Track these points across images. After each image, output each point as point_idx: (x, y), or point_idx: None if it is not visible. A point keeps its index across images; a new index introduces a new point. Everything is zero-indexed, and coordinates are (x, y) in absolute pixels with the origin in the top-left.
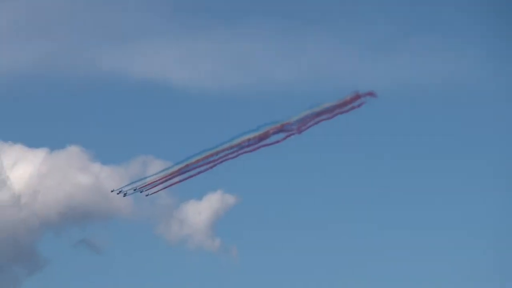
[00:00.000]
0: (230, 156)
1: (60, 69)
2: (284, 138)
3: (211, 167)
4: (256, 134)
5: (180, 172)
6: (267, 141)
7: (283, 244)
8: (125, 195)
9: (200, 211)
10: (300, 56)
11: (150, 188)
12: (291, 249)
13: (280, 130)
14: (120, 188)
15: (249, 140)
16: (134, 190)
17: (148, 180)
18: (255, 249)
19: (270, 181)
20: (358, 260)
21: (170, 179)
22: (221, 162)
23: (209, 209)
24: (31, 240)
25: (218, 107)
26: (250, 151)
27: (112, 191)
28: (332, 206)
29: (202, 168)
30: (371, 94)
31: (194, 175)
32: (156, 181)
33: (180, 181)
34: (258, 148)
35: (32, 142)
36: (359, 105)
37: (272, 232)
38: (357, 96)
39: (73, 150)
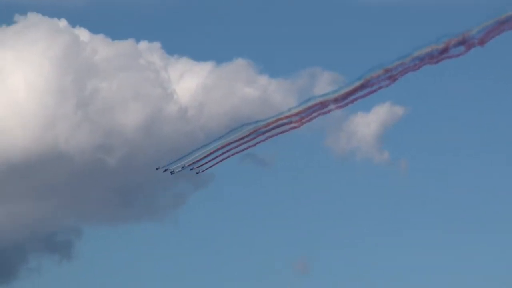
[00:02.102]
0: (407, 69)
1: None
2: (465, 51)
3: (389, 82)
4: (435, 46)
5: (357, 87)
6: (447, 54)
7: (454, 159)
8: (172, 173)
9: (369, 123)
10: None
11: (201, 166)
12: (463, 165)
13: (461, 42)
14: (166, 166)
15: (426, 53)
16: (183, 167)
17: (197, 157)
18: (424, 162)
19: (440, 94)
20: None
21: (232, 148)
22: (398, 76)
23: (378, 121)
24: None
25: (394, 18)
26: (426, 64)
27: (157, 168)
28: None
29: (379, 83)
30: None
31: (372, 91)
32: (205, 156)
33: (255, 144)
34: (436, 61)
35: (198, 55)
36: None
37: (442, 145)
38: None
39: (240, 63)
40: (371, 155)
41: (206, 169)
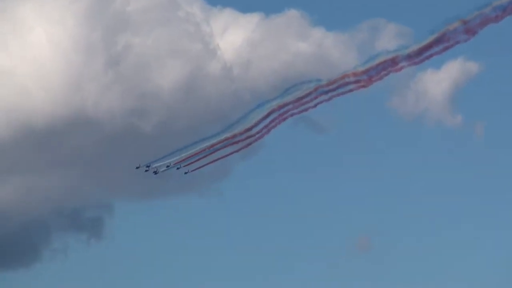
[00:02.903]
0: (486, 20)
1: None
2: None
3: (467, 37)
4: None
5: (432, 41)
6: None
7: None
8: (155, 173)
9: (439, 81)
10: None
11: (190, 164)
12: None
13: None
14: (147, 164)
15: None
16: (167, 166)
17: (184, 155)
18: (502, 125)
19: None
20: None
21: (215, 151)
22: (477, 29)
23: (449, 80)
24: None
25: None
26: (508, 15)
27: (137, 167)
28: None
29: (456, 37)
30: None
31: (449, 46)
32: (194, 155)
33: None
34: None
35: (244, 6)
36: None
37: None
38: None
39: (292, 15)
40: (441, 117)
41: (197, 168)
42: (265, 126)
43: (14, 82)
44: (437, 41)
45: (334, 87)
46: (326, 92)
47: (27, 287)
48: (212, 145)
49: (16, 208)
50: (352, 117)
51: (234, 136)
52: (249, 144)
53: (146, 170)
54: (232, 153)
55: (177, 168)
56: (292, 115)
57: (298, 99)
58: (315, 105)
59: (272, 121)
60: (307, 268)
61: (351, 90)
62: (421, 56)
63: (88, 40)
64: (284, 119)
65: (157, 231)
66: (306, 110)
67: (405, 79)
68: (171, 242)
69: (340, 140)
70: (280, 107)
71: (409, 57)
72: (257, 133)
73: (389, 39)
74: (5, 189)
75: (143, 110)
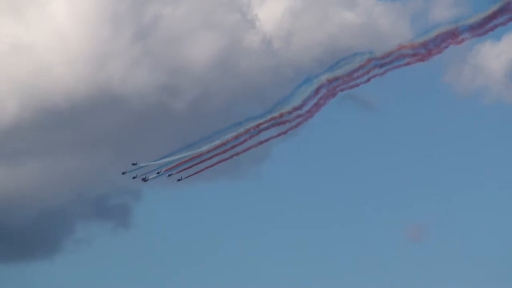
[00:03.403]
0: None
1: None
2: None
3: None
4: None
5: (495, 11)
6: None
7: None
8: (144, 180)
9: (499, 54)
10: None
11: (182, 171)
12: None
13: None
14: (133, 169)
15: None
16: (158, 173)
17: (176, 162)
18: None
19: None
20: None
21: (260, 132)
22: None
23: (510, 52)
24: (281, 93)
25: None
26: None
27: (123, 173)
28: None
29: None
30: None
31: None
32: (187, 161)
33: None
34: None
35: None
36: None
37: None
38: None
39: None
40: (501, 94)
41: (190, 175)
42: (315, 104)
43: (33, 57)
44: (500, 11)
45: (389, 60)
46: (380, 66)
47: (48, 280)
48: (258, 125)
49: (36, 194)
50: (403, 93)
51: (281, 115)
52: (298, 124)
53: (134, 177)
54: (279, 135)
55: (169, 175)
56: (342, 90)
57: (349, 73)
58: (368, 80)
59: (321, 98)
60: (352, 256)
61: (407, 64)
62: (484, 27)
63: (114, 11)
64: (334, 96)
65: (188, 218)
66: (357, 85)
67: (461, 52)
68: (203, 229)
69: (389, 118)
70: (330, 81)
71: (471, 28)
72: (307, 112)
73: (443, 8)
74: (24, 174)
75: (174, 87)
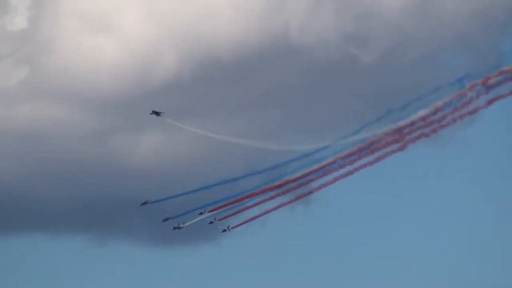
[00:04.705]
0: None
1: None
2: None
3: None
4: None
5: None
6: None
7: None
8: (178, 228)
9: None
10: None
11: (227, 217)
12: None
13: None
14: (170, 215)
15: None
16: (201, 213)
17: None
18: None
19: None
20: None
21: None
22: None
23: None
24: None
25: None
26: None
27: (142, 203)
28: None
29: None
30: None
31: None
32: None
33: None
34: None
35: None
36: None
37: None
38: None
39: None
40: None
41: (238, 225)
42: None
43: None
44: None
45: None
46: None
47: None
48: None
49: (199, 165)
50: None
51: None
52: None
53: (164, 220)
54: None
55: (210, 223)
56: None
57: None
58: None
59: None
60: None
61: None
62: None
63: None
64: None
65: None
66: None
67: None
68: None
69: None
70: None
71: None
72: None
73: None
74: (185, 140)
75: (363, 35)
